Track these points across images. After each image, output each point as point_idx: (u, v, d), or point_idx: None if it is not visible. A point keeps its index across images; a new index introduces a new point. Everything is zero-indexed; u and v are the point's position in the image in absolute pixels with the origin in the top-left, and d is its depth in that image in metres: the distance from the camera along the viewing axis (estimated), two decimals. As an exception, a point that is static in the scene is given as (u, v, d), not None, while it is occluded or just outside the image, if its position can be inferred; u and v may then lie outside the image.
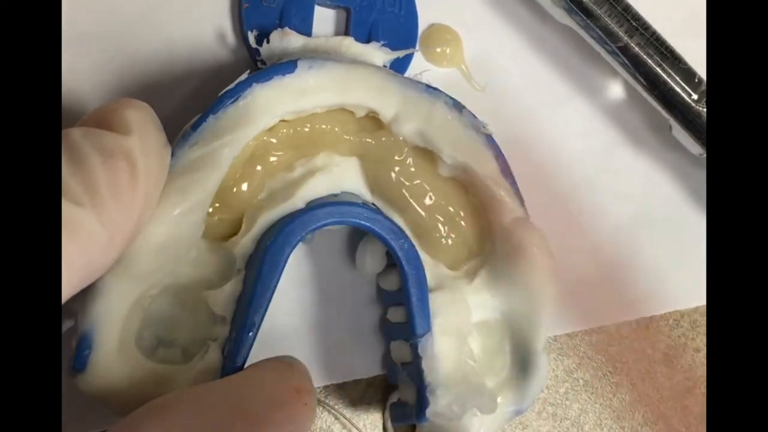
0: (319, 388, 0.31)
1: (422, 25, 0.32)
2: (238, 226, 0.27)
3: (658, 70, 0.31)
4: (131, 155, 0.22)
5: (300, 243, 0.26)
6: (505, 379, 0.29)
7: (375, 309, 0.31)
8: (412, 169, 0.28)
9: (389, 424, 0.31)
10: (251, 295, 0.25)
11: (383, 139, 0.28)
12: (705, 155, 0.32)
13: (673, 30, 0.31)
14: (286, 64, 0.26)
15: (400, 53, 0.30)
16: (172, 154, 0.24)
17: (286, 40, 0.28)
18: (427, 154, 0.28)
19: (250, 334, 0.25)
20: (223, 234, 0.27)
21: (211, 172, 0.25)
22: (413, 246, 0.27)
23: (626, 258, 0.34)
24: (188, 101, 0.30)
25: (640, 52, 0.31)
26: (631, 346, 0.34)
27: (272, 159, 0.27)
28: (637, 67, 0.31)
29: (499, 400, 0.28)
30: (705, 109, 0.31)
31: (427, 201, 0.28)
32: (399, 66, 0.30)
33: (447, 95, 0.27)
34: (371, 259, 0.29)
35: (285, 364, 0.23)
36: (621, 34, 0.31)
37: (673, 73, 0.31)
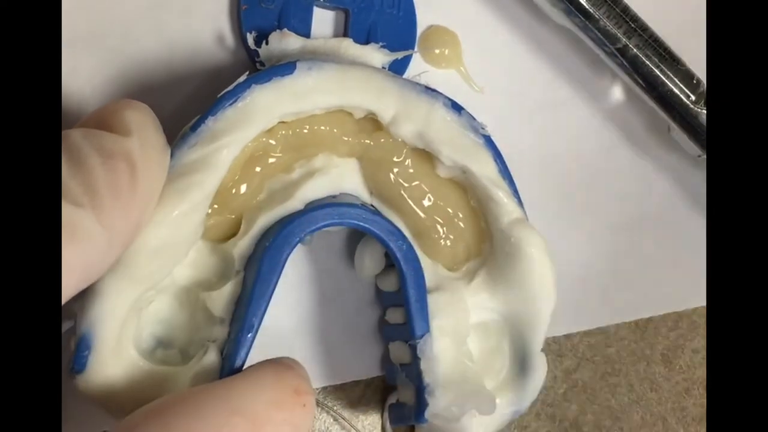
0: (318, 389, 0.31)
1: (421, 26, 0.32)
2: (237, 228, 0.27)
3: (657, 71, 0.31)
4: (131, 156, 0.22)
5: (299, 244, 0.26)
6: (503, 380, 0.29)
7: (374, 310, 0.31)
8: (411, 171, 0.28)
9: (388, 425, 0.31)
10: (250, 296, 0.25)
11: (382, 140, 0.28)
12: (703, 156, 0.32)
13: (671, 31, 0.31)
14: (285, 66, 0.26)
15: (399, 54, 0.30)
16: (171, 156, 0.24)
17: (285, 41, 0.28)
18: (426, 155, 0.28)
19: (249, 335, 0.25)
20: (222, 235, 0.27)
21: (210, 174, 0.25)
22: (412, 247, 0.27)
23: (625, 259, 0.34)
24: (187, 103, 0.30)
25: (639, 54, 0.31)
26: (629, 347, 0.34)
27: (271, 160, 0.27)
28: (636, 69, 0.31)
29: (497, 401, 0.28)
30: (703, 111, 0.31)
31: (426, 202, 0.29)
32: (398, 67, 0.30)
33: (446, 97, 0.27)
34: (370, 261, 0.30)
35: (284, 365, 0.23)
36: (619, 35, 0.31)
37: (671, 75, 0.31)
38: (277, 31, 0.28)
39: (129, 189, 0.22)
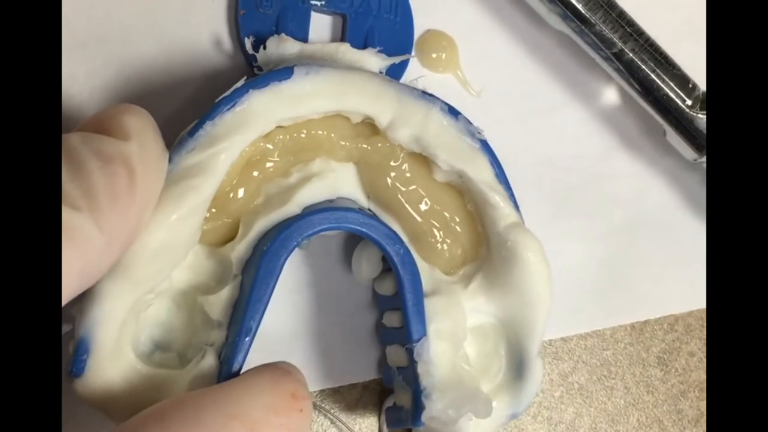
0: (315, 392, 0.31)
1: (418, 31, 0.32)
2: (235, 232, 0.27)
3: (653, 75, 0.31)
4: (129, 160, 0.22)
5: (296, 248, 0.26)
6: (500, 384, 0.29)
7: (371, 313, 0.31)
8: (408, 175, 0.28)
9: (385, 428, 0.31)
10: (248, 300, 0.25)
11: (379, 144, 0.28)
12: (699, 160, 0.32)
13: (667, 36, 0.31)
14: (282, 71, 0.26)
15: (396, 59, 0.30)
16: (169, 160, 0.24)
17: (283, 46, 0.28)
18: (423, 159, 0.28)
19: (247, 338, 0.25)
20: (220, 239, 0.27)
21: (208, 178, 0.25)
22: (409, 251, 0.27)
23: (621, 262, 0.34)
24: (185, 107, 0.30)
25: (635, 58, 0.31)
26: (625, 350, 0.34)
27: (268, 165, 0.27)
28: (632, 73, 0.31)
29: (494, 404, 0.28)
30: (698, 115, 0.31)
31: (423, 206, 0.29)
32: (395, 72, 0.31)
33: (443, 101, 0.28)
34: (367, 264, 0.30)
35: (281, 370, 0.23)
36: (615, 40, 0.31)
37: (667, 79, 0.31)
38: (275, 35, 0.28)
39: (127, 193, 0.22)
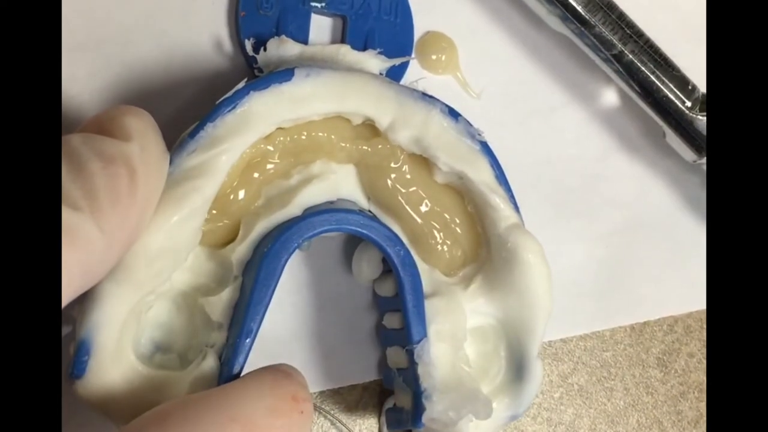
0: (315, 393, 0.31)
1: (418, 32, 0.32)
2: (236, 233, 0.27)
3: (652, 77, 0.31)
4: (131, 161, 0.22)
5: (297, 250, 0.26)
6: (500, 385, 0.29)
7: (371, 315, 0.31)
8: (408, 177, 0.28)
9: (385, 430, 0.31)
10: (248, 301, 0.25)
11: (379, 146, 0.28)
12: (698, 162, 0.32)
13: (666, 38, 0.31)
14: (283, 72, 0.26)
15: (396, 61, 0.30)
16: (170, 162, 0.24)
17: (283, 48, 0.28)
18: (423, 161, 0.28)
19: (248, 340, 0.25)
20: (221, 241, 0.27)
21: (209, 180, 0.25)
22: (409, 253, 0.27)
23: (620, 263, 0.34)
24: (186, 109, 0.30)
25: (634, 60, 0.31)
26: (625, 351, 0.34)
27: (269, 166, 0.27)
28: (631, 75, 0.31)
29: (494, 405, 0.28)
30: (698, 117, 0.31)
31: (423, 208, 0.29)
32: (395, 74, 0.31)
33: (443, 103, 0.28)
34: (367, 266, 0.30)
35: (282, 372, 0.23)
36: (615, 41, 0.31)
37: (666, 81, 0.31)
38: (275, 37, 0.29)
39: (128, 194, 0.22)
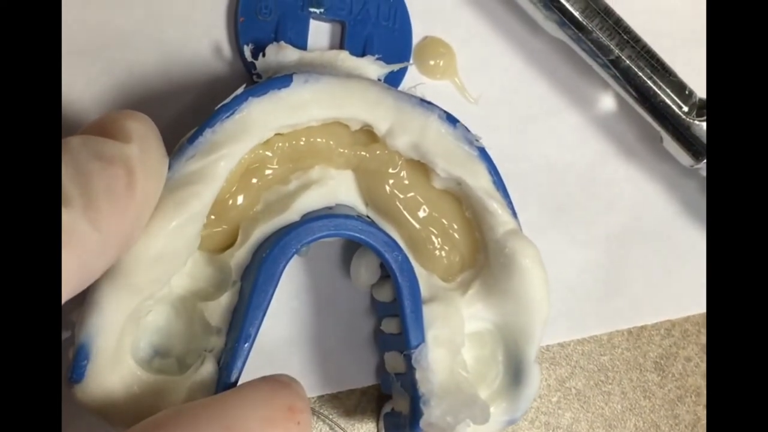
0: (313, 398, 0.31)
1: (416, 38, 0.32)
2: (234, 238, 0.27)
3: (649, 82, 0.31)
4: (129, 162, 0.22)
5: (295, 255, 0.26)
6: (497, 390, 0.29)
7: (369, 320, 0.32)
8: (406, 182, 0.28)
9: (383, 434, 0.31)
10: (247, 306, 0.25)
11: (377, 152, 0.28)
12: (696, 166, 0.32)
13: (663, 43, 0.31)
14: (281, 78, 0.26)
15: (395, 66, 0.30)
16: (169, 167, 0.25)
17: (282, 53, 0.28)
18: (421, 167, 0.28)
19: (246, 345, 0.25)
20: (219, 246, 0.27)
21: (208, 185, 0.25)
22: (407, 258, 0.27)
23: (618, 268, 0.34)
24: (184, 115, 0.30)
25: (631, 65, 0.31)
26: (622, 356, 0.34)
27: (268, 172, 0.27)
28: (628, 80, 0.31)
29: (492, 410, 0.28)
30: (695, 122, 0.31)
31: (421, 213, 0.29)
32: (393, 79, 0.31)
33: (441, 109, 0.28)
34: (366, 271, 0.30)
35: (279, 382, 0.23)
36: (612, 47, 0.31)
37: (663, 86, 0.31)
38: (274, 43, 0.29)
39: (125, 194, 0.22)
